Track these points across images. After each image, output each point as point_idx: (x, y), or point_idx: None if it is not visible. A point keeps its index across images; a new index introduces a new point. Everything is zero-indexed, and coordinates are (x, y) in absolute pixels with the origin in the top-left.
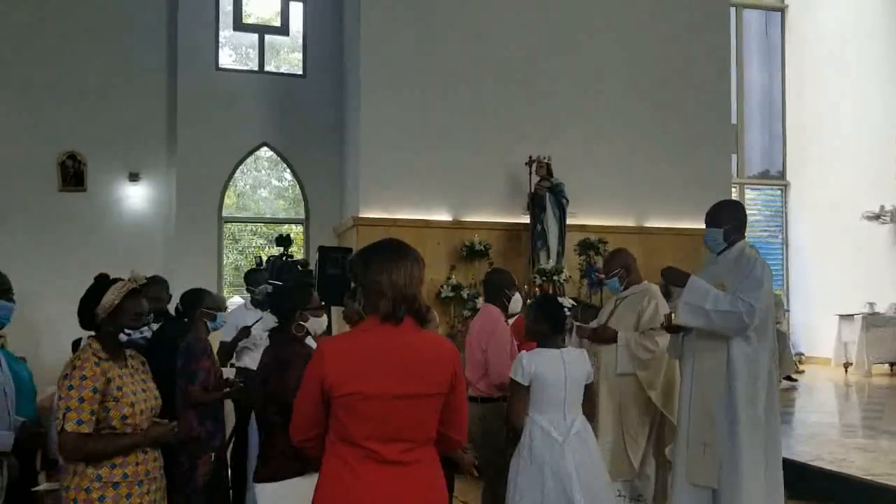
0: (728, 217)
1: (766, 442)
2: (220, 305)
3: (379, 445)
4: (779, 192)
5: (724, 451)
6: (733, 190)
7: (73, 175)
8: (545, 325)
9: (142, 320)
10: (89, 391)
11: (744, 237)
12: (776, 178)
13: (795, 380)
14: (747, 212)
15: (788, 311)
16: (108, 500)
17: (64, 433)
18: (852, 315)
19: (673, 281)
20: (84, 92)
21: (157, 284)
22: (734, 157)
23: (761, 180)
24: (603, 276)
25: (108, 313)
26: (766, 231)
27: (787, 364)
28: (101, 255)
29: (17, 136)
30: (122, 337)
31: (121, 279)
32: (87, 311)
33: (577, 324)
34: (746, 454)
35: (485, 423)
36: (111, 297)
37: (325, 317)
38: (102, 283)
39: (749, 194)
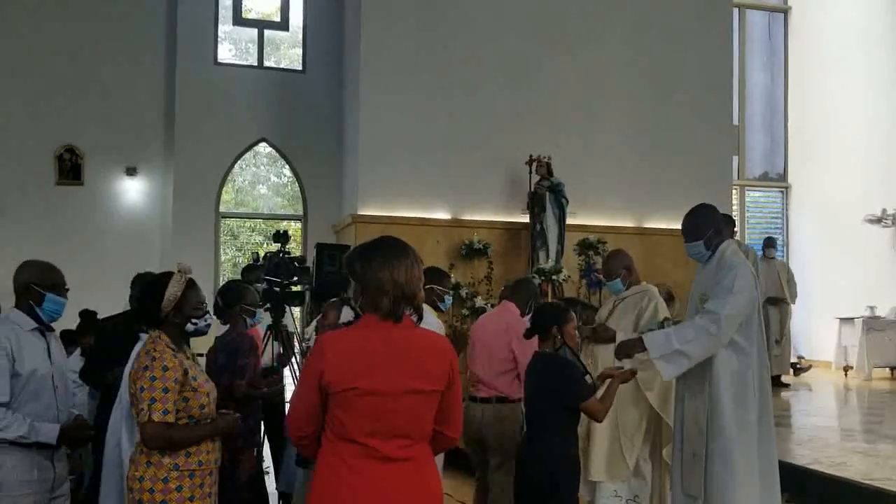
0: (703, 226)
1: (760, 447)
2: (258, 302)
3: (376, 441)
4: (780, 194)
5: (714, 461)
6: (734, 192)
7: (70, 168)
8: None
9: (203, 309)
10: (172, 382)
11: (726, 238)
12: (777, 180)
13: (787, 384)
14: (748, 214)
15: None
16: (185, 489)
17: (150, 423)
18: (853, 318)
19: (628, 352)
20: (82, 85)
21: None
22: (735, 158)
23: (762, 182)
24: (603, 276)
25: (173, 306)
26: (766, 233)
27: (782, 365)
28: (98, 250)
29: (14, 129)
30: (189, 327)
31: (170, 272)
32: (148, 308)
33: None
34: (737, 464)
35: (503, 424)
36: (174, 289)
37: (432, 315)
38: (155, 281)
39: (750, 196)
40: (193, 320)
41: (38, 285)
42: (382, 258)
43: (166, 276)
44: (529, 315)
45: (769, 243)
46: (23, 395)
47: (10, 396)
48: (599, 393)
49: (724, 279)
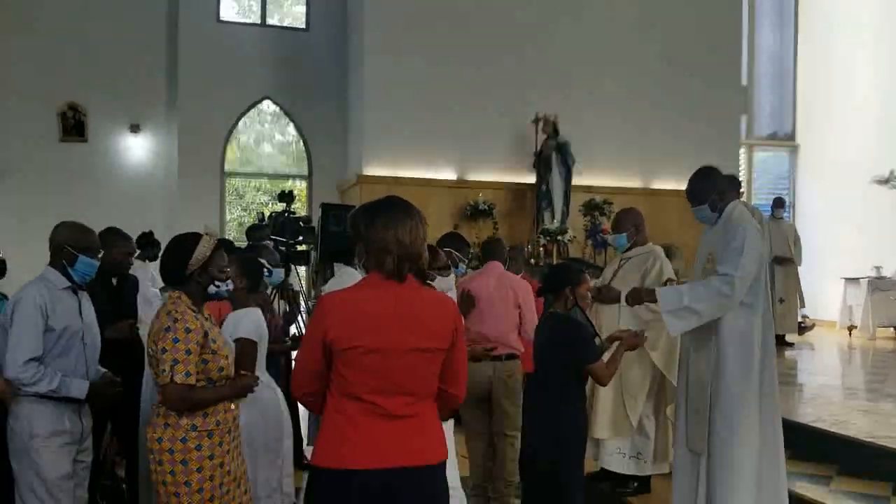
0: (706, 188)
1: (762, 405)
2: (276, 262)
3: (380, 399)
4: (788, 154)
5: (716, 418)
6: (741, 151)
7: (73, 126)
8: None
9: (227, 273)
10: (194, 343)
11: (731, 199)
12: (785, 139)
13: (791, 343)
14: (755, 174)
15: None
16: (205, 448)
17: (172, 385)
18: (858, 279)
19: (639, 300)
20: (85, 42)
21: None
22: (743, 118)
23: (770, 142)
24: (610, 229)
25: (199, 266)
26: (773, 193)
27: (788, 325)
28: (102, 207)
29: (18, 86)
30: (212, 289)
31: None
32: (174, 266)
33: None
34: (739, 422)
35: (513, 379)
36: (203, 250)
37: (452, 275)
38: (185, 239)
39: (758, 156)
40: (216, 283)
41: (72, 247)
42: (386, 218)
43: (195, 236)
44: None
45: (778, 203)
46: (54, 350)
47: (42, 351)
48: (606, 356)
49: (732, 240)
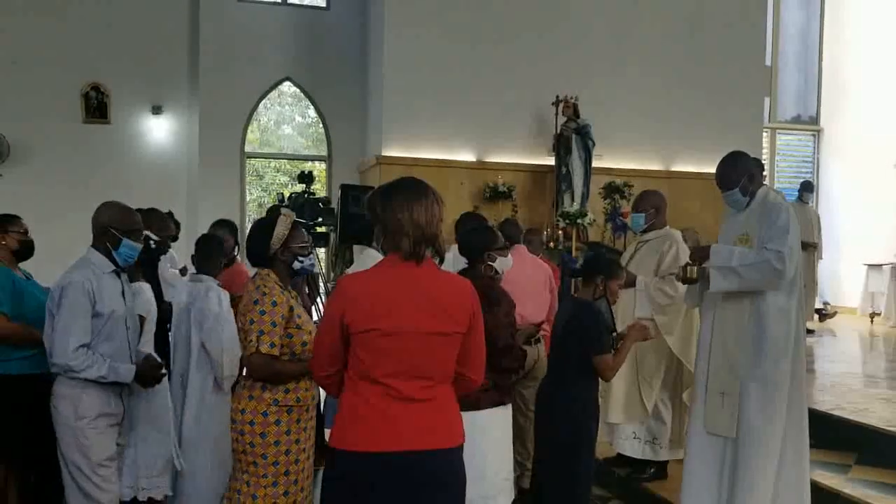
0: (740, 172)
1: (792, 393)
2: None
3: (398, 382)
4: (811, 137)
5: (746, 401)
6: (764, 134)
7: (97, 107)
8: None
9: (309, 248)
10: (279, 317)
11: (761, 184)
12: (809, 123)
13: (812, 331)
14: (777, 157)
15: (822, 259)
16: (283, 423)
17: (257, 354)
18: (881, 265)
19: (701, 258)
20: (107, 22)
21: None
22: (767, 100)
23: (793, 125)
24: (630, 209)
25: (281, 244)
26: (796, 177)
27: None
28: (124, 189)
29: (41, 67)
30: (296, 265)
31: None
32: (258, 247)
33: None
34: (771, 405)
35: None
36: (281, 229)
37: (510, 257)
38: (264, 221)
39: (781, 139)
40: (300, 258)
41: (116, 229)
42: (402, 199)
43: (273, 217)
44: None
45: (806, 187)
46: (100, 334)
47: (90, 337)
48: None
49: (777, 219)
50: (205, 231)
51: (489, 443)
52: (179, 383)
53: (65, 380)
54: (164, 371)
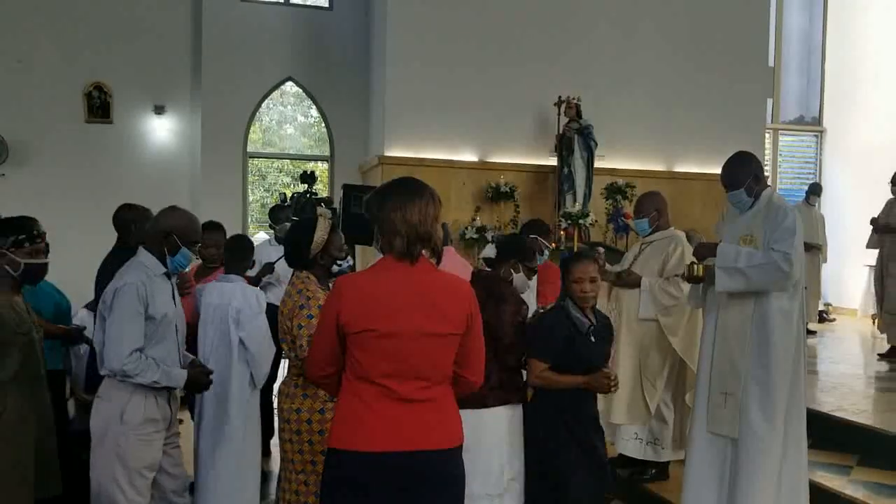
0: (745, 173)
1: (792, 393)
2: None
3: (394, 383)
4: (814, 138)
5: (748, 402)
6: (767, 135)
7: (99, 106)
8: None
9: (345, 251)
10: None
11: (766, 185)
12: (812, 124)
13: (814, 332)
14: (780, 158)
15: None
16: None
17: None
18: None
19: (705, 254)
20: (110, 22)
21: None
22: (769, 101)
23: (796, 126)
24: (631, 217)
25: (320, 248)
26: (799, 178)
27: (810, 313)
28: (127, 188)
29: (43, 66)
30: (334, 268)
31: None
32: (299, 250)
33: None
34: (772, 406)
35: None
36: (321, 233)
37: (527, 280)
38: (304, 224)
39: (783, 140)
40: (338, 262)
41: (178, 237)
42: (396, 199)
43: (311, 220)
44: None
45: (815, 190)
46: (152, 338)
47: (143, 342)
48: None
49: (784, 220)
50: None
51: (495, 441)
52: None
53: (113, 382)
54: (211, 378)
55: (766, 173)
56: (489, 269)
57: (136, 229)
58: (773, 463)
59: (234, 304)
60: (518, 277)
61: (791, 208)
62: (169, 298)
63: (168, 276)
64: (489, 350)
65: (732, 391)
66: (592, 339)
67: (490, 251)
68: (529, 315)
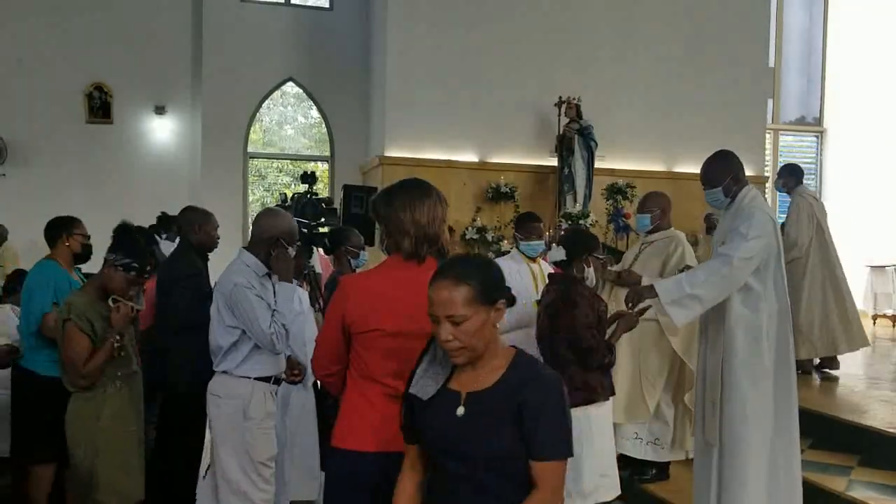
0: (722, 172)
1: (777, 395)
2: (362, 245)
3: (398, 382)
4: (815, 139)
5: (727, 409)
6: (767, 136)
7: (99, 107)
8: None
9: (362, 247)
10: None
11: (744, 184)
12: (812, 124)
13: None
14: (780, 159)
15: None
16: None
17: None
18: (884, 267)
19: (644, 296)
20: (110, 22)
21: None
22: (770, 101)
23: (797, 126)
24: (631, 216)
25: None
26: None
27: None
28: (127, 188)
29: (44, 67)
30: (353, 262)
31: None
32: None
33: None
34: (749, 413)
35: None
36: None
37: (590, 269)
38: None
39: (783, 140)
40: (351, 259)
41: (286, 241)
42: (403, 199)
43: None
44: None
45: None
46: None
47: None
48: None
49: (740, 225)
50: None
51: (582, 440)
52: None
53: (231, 380)
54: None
55: (766, 174)
56: (561, 272)
57: (199, 230)
58: (755, 470)
59: (279, 304)
60: (590, 272)
61: (756, 211)
62: (270, 298)
63: (269, 276)
64: (570, 354)
65: (716, 399)
66: None
67: (558, 253)
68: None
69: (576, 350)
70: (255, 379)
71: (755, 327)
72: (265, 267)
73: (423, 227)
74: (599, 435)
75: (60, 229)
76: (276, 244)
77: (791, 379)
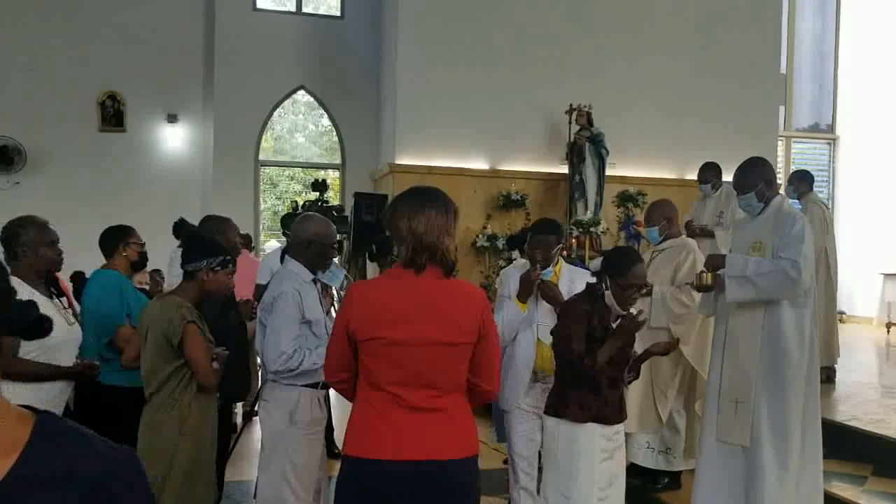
0: (756, 177)
1: (807, 402)
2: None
3: (404, 391)
4: (827, 146)
5: (761, 409)
6: (779, 143)
7: (112, 115)
8: None
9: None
10: None
11: (777, 192)
12: (825, 131)
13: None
14: (792, 167)
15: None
16: None
17: None
18: None
19: (716, 265)
20: (123, 31)
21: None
22: (782, 109)
23: (809, 134)
24: (642, 225)
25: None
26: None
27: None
28: (140, 196)
29: (57, 75)
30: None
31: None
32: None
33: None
34: (783, 416)
35: None
36: None
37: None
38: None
39: (796, 148)
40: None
41: (320, 242)
42: (403, 208)
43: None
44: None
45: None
46: (318, 339)
47: (293, 348)
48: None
49: (792, 228)
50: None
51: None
52: None
53: (279, 386)
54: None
55: (778, 181)
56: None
57: (222, 237)
58: (787, 473)
59: None
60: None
61: (801, 216)
62: (317, 303)
63: (315, 281)
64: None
65: (743, 399)
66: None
67: (596, 264)
68: None
69: (559, 361)
70: (303, 386)
71: (804, 329)
72: (310, 272)
73: (420, 236)
74: (604, 452)
75: (117, 240)
76: (311, 248)
77: (817, 382)
